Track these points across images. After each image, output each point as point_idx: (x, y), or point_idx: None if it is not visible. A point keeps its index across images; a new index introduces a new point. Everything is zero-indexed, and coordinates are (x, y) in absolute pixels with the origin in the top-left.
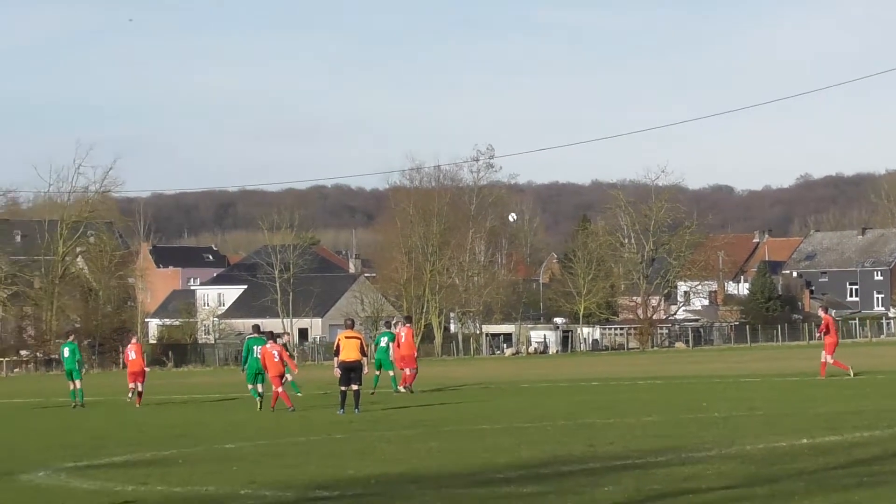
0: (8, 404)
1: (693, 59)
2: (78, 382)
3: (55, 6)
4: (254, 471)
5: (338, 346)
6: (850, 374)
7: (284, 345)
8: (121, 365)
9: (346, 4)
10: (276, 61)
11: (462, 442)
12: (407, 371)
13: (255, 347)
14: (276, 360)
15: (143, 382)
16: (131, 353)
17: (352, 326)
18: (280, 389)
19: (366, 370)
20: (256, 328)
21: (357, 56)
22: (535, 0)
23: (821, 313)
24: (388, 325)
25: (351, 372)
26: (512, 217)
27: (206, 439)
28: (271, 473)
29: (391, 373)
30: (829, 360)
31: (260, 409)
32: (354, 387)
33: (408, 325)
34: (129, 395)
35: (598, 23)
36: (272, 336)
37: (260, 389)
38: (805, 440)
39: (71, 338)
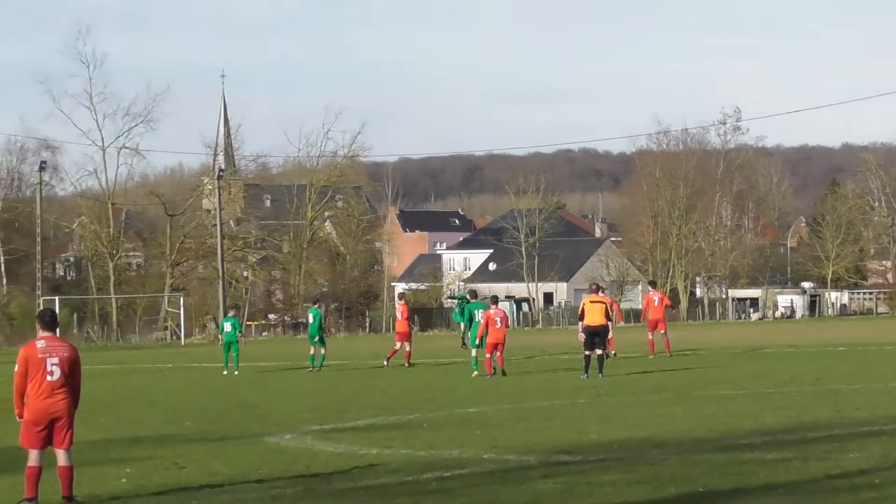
0: (256, 367)
1: None
2: (322, 349)
3: None
4: (496, 435)
5: (583, 310)
6: None
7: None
8: (367, 329)
9: None
10: (522, 23)
11: (706, 407)
12: (650, 336)
13: (477, 312)
14: (499, 325)
15: (409, 342)
16: (398, 313)
17: (597, 291)
18: (488, 356)
19: (611, 335)
20: (473, 293)
21: (604, 19)
22: None
23: None
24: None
25: (595, 336)
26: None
27: (449, 403)
28: (514, 437)
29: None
30: None
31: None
32: (598, 351)
33: (655, 290)
34: (386, 361)
35: None
36: (496, 300)
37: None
38: None
39: (317, 304)
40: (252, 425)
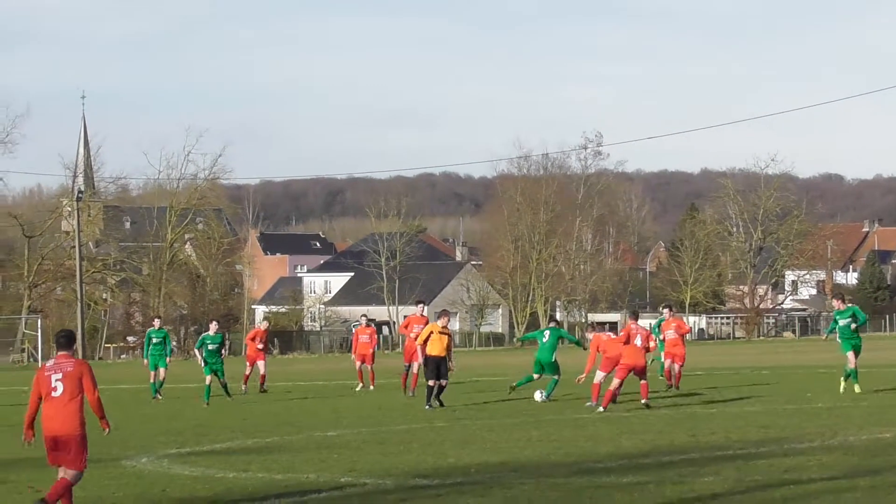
0: (114, 390)
1: (803, 46)
2: (162, 371)
3: None
4: (354, 458)
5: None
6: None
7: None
8: (227, 351)
9: None
10: (385, 48)
11: (563, 431)
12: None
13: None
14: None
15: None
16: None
17: (446, 320)
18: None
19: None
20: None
21: (466, 43)
22: None
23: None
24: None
25: (439, 366)
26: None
27: (308, 427)
28: (372, 461)
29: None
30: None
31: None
32: (443, 382)
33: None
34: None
35: (706, 9)
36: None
37: None
38: None
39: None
40: (110, 449)
